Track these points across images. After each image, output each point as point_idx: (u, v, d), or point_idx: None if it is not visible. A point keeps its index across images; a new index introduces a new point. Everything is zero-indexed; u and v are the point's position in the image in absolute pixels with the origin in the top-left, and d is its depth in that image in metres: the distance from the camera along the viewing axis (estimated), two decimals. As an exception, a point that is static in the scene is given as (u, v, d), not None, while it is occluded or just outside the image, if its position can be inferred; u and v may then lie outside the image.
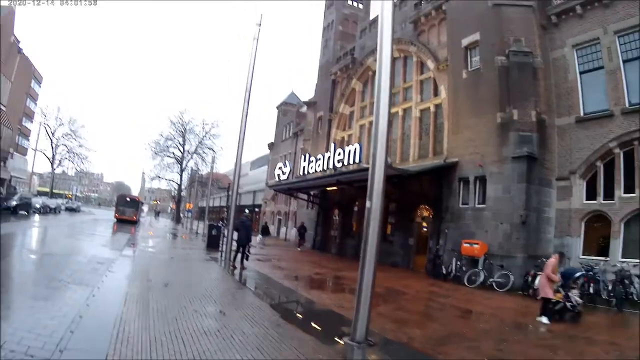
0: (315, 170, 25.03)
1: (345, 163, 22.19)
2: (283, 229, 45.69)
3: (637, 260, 13.18)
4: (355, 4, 36.41)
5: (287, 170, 28.96)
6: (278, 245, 33.03)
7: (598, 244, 15.21)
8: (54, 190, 68.03)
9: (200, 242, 27.47)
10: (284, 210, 46.25)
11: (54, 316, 6.70)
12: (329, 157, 23.70)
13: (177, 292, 10.35)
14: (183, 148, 59.19)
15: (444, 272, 17.84)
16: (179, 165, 59.72)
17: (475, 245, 16.75)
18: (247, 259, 16.45)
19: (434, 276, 18.19)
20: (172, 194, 74.88)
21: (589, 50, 16.15)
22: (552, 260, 10.73)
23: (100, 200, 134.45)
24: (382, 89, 7.40)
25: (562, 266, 12.41)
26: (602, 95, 15.38)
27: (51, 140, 59.86)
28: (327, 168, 23.75)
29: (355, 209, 27.79)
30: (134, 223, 42.11)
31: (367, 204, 7.16)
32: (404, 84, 24.70)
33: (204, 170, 60.50)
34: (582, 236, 15.53)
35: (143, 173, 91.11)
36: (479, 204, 17.75)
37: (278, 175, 29.50)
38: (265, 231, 33.33)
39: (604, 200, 15.11)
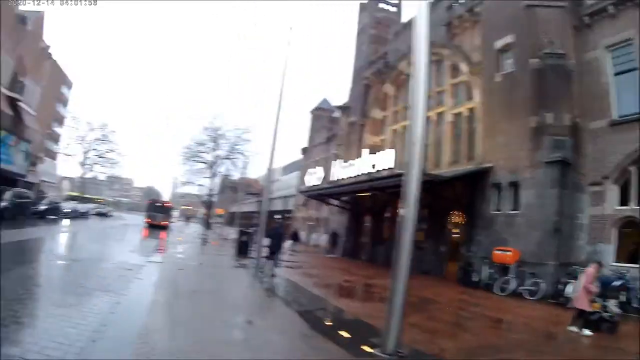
0: (349, 176, 25.58)
1: (379, 168, 22.67)
2: (314, 235, 46.23)
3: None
4: (388, 7, 36.83)
5: (319, 175, 29.56)
6: (308, 252, 33.65)
7: (629, 251, 15.10)
8: (85, 195, 69.89)
9: (230, 248, 27.29)
10: (315, 216, 46.90)
11: (76, 324, 6.70)
12: (362, 162, 24.18)
13: (205, 300, 10.49)
14: (215, 153, 60.32)
15: (475, 280, 18.03)
16: (210, 171, 60.85)
17: (508, 253, 16.86)
18: (278, 266, 16.68)
19: (465, 284, 18.32)
20: (203, 200, 76.33)
21: (623, 52, 16.14)
22: (591, 270, 10.52)
23: (131, 205, 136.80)
24: (418, 93, 7.40)
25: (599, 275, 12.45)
26: (636, 98, 15.27)
27: (82, 144, 62.47)
28: (360, 174, 24.19)
29: (387, 215, 28.12)
30: (164, 228, 43.05)
31: (401, 211, 7.11)
32: (437, 88, 24.98)
33: (236, 175, 61.65)
34: (614, 243, 15.44)
35: (174, 178, 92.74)
36: (511, 210, 17.87)
37: (310, 180, 30.13)
38: (295, 237, 33.77)
39: (636, 206, 15.03)
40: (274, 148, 18.62)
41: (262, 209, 19.40)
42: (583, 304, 10.14)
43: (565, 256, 15.73)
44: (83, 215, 45.20)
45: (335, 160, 30.03)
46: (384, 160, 22.36)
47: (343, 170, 26.29)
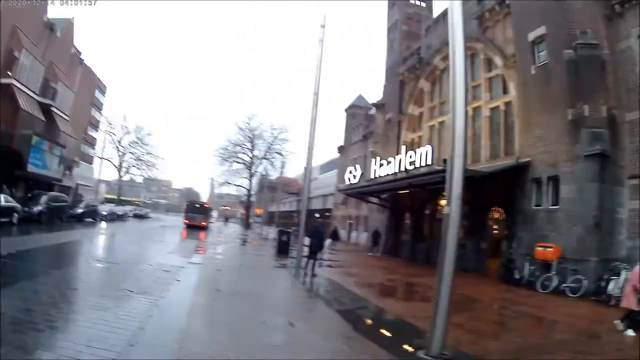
0: (387, 174, 26.05)
1: (417, 165, 23.10)
2: (354, 234, 46.82)
3: None
4: (417, 2, 36.98)
5: (357, 173, 30.12)
6: (348, 251, 34.30)
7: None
8: (122, 197, 72.68)
9: (270, 248, 27.94)
10: (354, 214, 47.62)
11: (114, 328, 6.75)
12: (400, 159, 24.69)
13: (245, 301, 10.55)
14: (252, 153, 61.64)
15: (517, 277, 18.10)
16: (248, 171, 62.20)
17: (549, 249, 16.89)
18: (319, 266, 17.09)
19: (506, 281, 18.40)
20: (241, 200, 77.63)
21: (656, 40, 15.79)
22: (637, 269, 10.14)
23: (169, 207, 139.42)
24: (457, 87, 7.42)
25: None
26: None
27: (118, 148, 64.69)
28: (399, 171, 24.67)
29: (427, 212, 28.52)
30: (204, 229, 44.55)
31: (446, 209, 7.09)
32: (473, 83, 25.10)
33: (273, 175, 62.64)
34: (654, 238, 15.20)
35: (212, 179, 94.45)
36: (551, 205, 17.93)
37: (348, 179, 30.79)
38: (334, 236, 34.28)
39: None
40: (311, 147, 18.83)
41: (302, 208, 19.79)
42: (631, 303, 10.02)
43: (606, 252, 15.63)
44: (121, 218, 46.99)
45: (373, 157, 30.48)
46: (422, 157, 22.72)
47: (381, 168, 26.73)
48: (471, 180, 19.13)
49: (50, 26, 36.17)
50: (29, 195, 28.72)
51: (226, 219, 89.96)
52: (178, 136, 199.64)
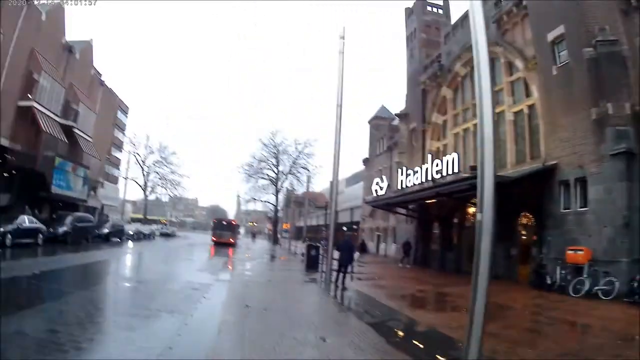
0: (414, 184, 26.28)
1: (443, 174, 23.39)
2: (382, 245, 46.94)
3: None
4: (435, 9, 37.48)
5: (384, 185, 30.42)
6: (377, 262, 34.44)
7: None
8: (149, 217, 72.89)
9: (298, 262, 28.09)
10: (382, 226, 47.75)
11: (141, 347, 6.77)
12: (427, 168, 24.98)
13: (275, 318, 10.55)
14: (277, 169, 62.32)
15: (548, 282, 18.06)
16: (274, 186, 62.83)
17: (580, 252, 16.86)
18: (351, 279, 17.41)
19: (538, 287, 18.36)
20: (268, 215, 78.22)
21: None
22: None
23: (196, 225, 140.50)
24: (483, 91, 7.09)
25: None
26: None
27: (142, 168, 65.61)
28: (425, 180, 24.94)
29: (455, 221, 28.58)
30: (231, 246, 45.31)
31: (478, 216, 6.87)
32: (495, 87, 24.88)
33: (300, 190, 63.06)
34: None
35: (238, 196, 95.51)
36: (580, 207, 17.89)
37: (375, 190, 31.20)
38: (363, 248, 34.41)
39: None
40: (337, 160, 18.70)
41: (330, 221, 19.98)
42: None
43: (638, 252, 15.49)
44: (147, 237, 47.68)
45: (399, 168, 30.81)
46: (448, 165, 22.98)
47: (408, 178, 26.96)
48: (498, 186, 18.95)
49: (69, 48, 37.21)
50: (54, 216, 29.78)
51: (254, 235, 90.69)
52: (203, 153, 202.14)
